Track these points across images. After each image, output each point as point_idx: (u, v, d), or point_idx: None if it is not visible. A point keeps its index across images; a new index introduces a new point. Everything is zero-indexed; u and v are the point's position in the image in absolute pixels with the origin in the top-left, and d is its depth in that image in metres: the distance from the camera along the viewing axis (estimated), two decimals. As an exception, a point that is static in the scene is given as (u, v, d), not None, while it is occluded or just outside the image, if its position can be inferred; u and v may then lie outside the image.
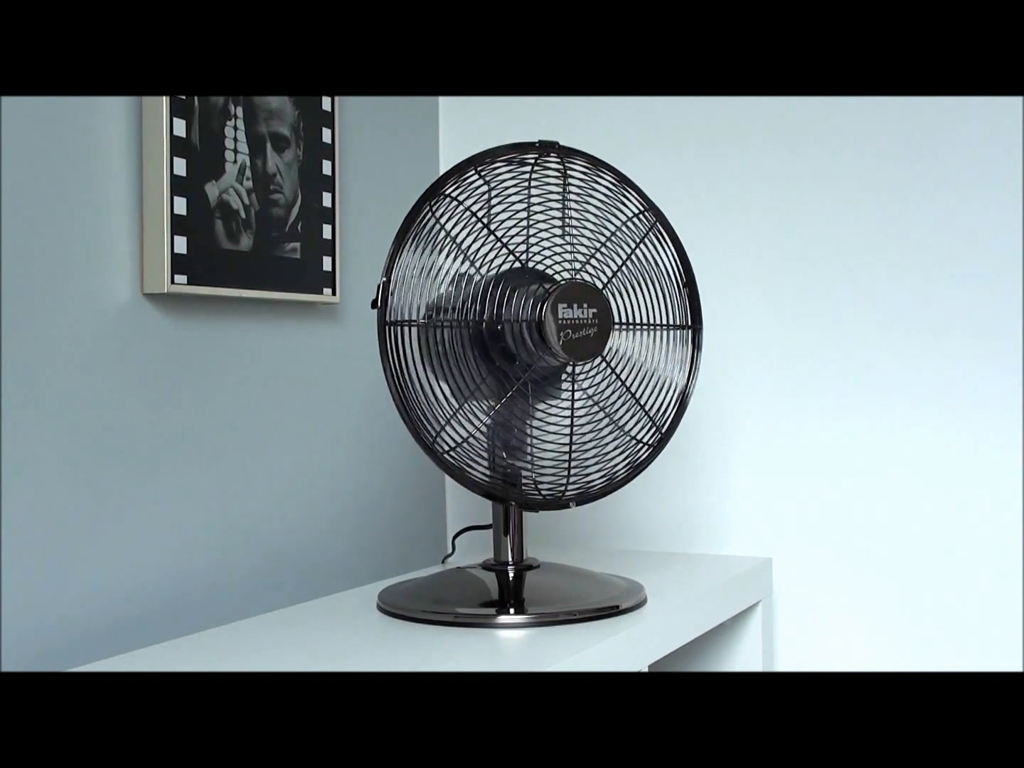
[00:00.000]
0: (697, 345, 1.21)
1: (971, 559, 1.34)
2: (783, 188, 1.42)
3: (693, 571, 1.33)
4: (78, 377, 1.08)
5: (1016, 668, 1.32)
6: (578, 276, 1.14)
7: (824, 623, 1.41)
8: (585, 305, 1.11)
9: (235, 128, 1.21)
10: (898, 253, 1.37)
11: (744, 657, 1.38)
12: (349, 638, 1.05)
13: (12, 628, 1.02)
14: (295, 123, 1.29)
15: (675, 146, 1.48)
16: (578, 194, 1.15)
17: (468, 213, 1.10)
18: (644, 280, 1.19)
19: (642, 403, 1.17)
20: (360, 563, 1.43)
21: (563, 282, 1.11)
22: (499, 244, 1.10)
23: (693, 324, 1.22)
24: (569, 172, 1.14)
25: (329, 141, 1.34)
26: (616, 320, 1.17)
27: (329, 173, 1.34)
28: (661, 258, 1.20)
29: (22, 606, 1.03)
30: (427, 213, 1.09)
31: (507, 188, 1.12)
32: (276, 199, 1.26)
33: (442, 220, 1.09)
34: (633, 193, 1.18)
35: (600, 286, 1.15)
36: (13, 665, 1.02)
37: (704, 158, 1.46)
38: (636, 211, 1.18)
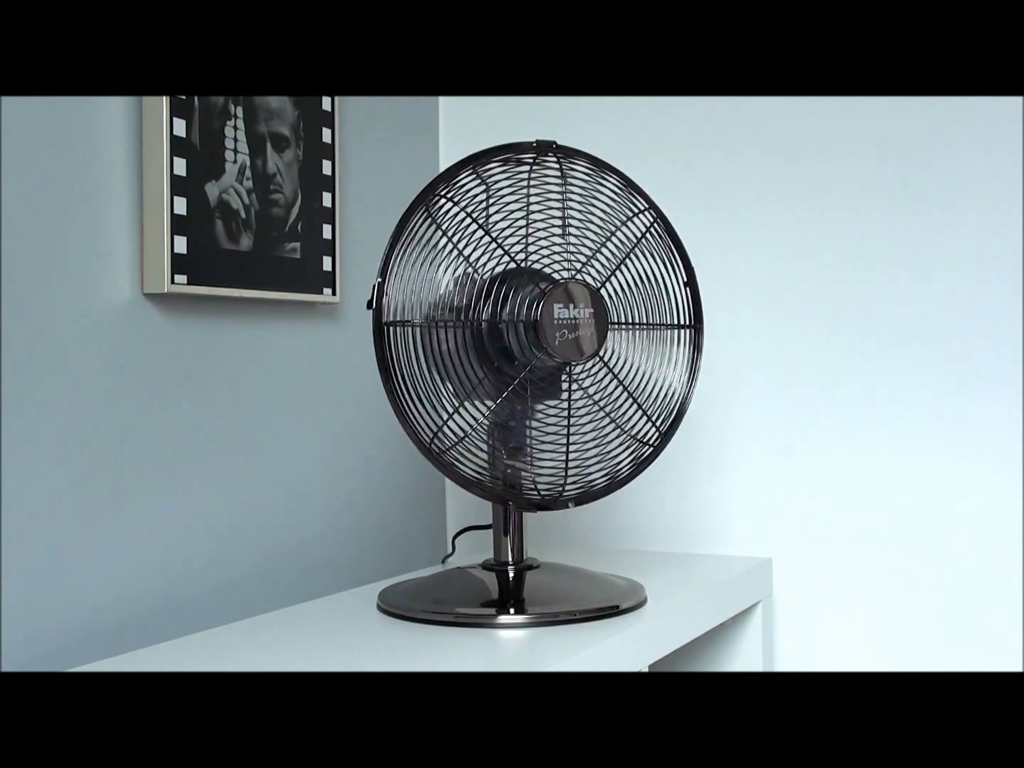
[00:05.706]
0: (698, 345, 1.21)
1: (971, 559, 1.34)
2: (791, 191, 1.42)
3: (693, 571, 1.33)
4: (78, 377, 1.08)
5: (1016, 668, 1.32)
6: (578, 276, 1.14)
7: (824, 623, 1.41)
8: (581, 305, 1.11)
9: (235, 128, 1.21)
10: (904, 260, 1.37)
11: (744, 657, 1.38)
12: (349, 638, 1.05)
13: (12, 628, 1.02)
14: (295, 123, 1.29)
15: (676, 147, 1.48)
16: (579, 194, 1.15)
17: (464, 215, 1.10)
18: (644, 280, 1.19)
19: (641, 403, 1.17)
20: (360, 563, 1.43)
21: (559, 282, 1.11)
22: (495, 246, 1.10)
23: (695, 324, 1.21)
24: (569, 172, 1.14)
25: (329, 141, 1.34)
26: (613, 320, 1.17)
27: (329, 173, 1.34)
28: (661, 257, 1.20)
29: (22, 606, 1.03)
30: (422, 213, 1.08)
31: (502, 189, 1.12)
32: (276, 199, 1.26)
33: (438, 220, 1.09)
34: (633, 193, 1.18)
35: (597, 286, 1.14)
36: (13, 665, 1.02)
37: (707, 160, 1.46)
38: (636, 211, 1.18)
